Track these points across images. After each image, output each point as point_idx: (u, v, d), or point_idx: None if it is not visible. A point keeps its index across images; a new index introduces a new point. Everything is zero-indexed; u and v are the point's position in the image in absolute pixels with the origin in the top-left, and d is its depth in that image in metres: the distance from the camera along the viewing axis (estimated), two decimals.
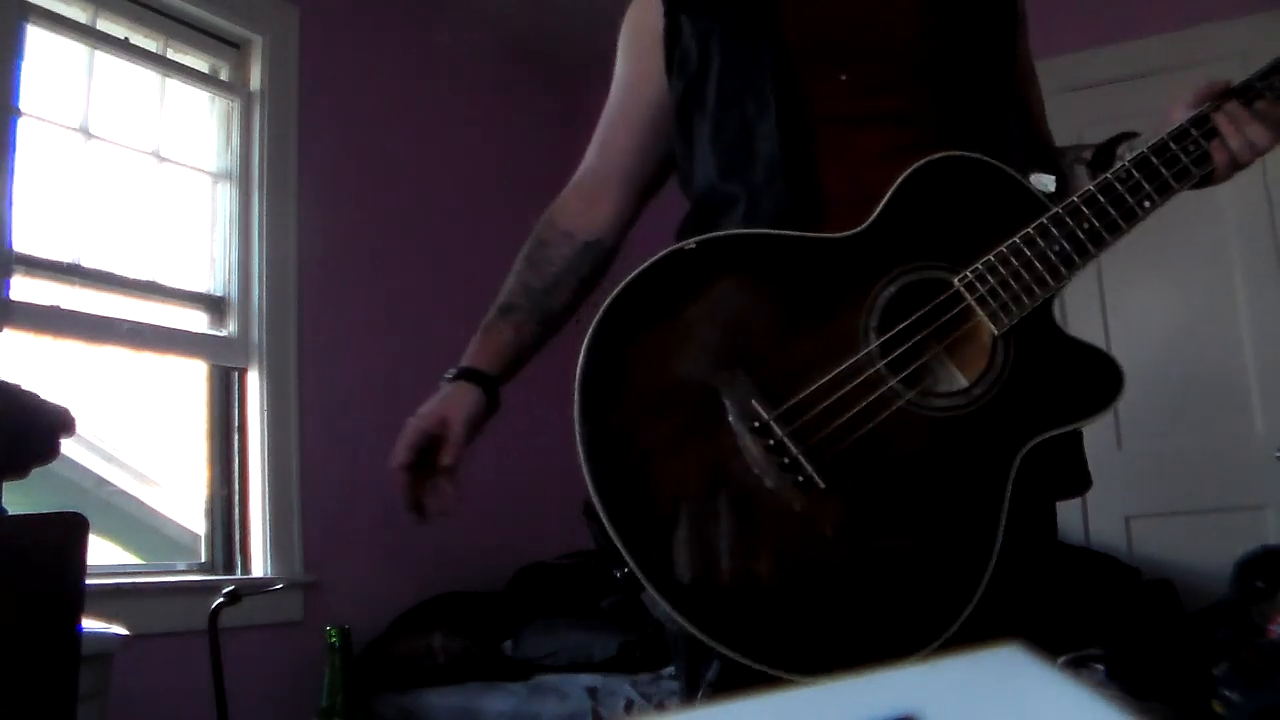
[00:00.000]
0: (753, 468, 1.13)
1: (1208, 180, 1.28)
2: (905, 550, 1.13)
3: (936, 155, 1.22)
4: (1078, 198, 1.22)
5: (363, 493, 3.05)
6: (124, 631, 2.11)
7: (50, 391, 1.56)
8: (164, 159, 3.21)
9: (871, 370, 1.16)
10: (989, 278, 1.19)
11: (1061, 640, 2.87)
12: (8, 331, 2.62)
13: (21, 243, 2.72)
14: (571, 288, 1.48)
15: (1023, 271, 1.19)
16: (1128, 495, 3.57)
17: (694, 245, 1.20)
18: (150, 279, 3.10)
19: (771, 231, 1.24)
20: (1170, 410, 3.53)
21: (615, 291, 1.18)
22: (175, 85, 3.28)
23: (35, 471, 1.53)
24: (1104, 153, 1.29)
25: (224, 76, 3.41)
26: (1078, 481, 1.39)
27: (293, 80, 3.47)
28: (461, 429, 1.35)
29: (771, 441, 1.13)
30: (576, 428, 1.13)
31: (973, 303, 1.19)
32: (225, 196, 3.35)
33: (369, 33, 3.75)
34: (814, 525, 1.12)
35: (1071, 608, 3.11)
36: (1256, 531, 3.28)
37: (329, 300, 3.40)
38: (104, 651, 2.01)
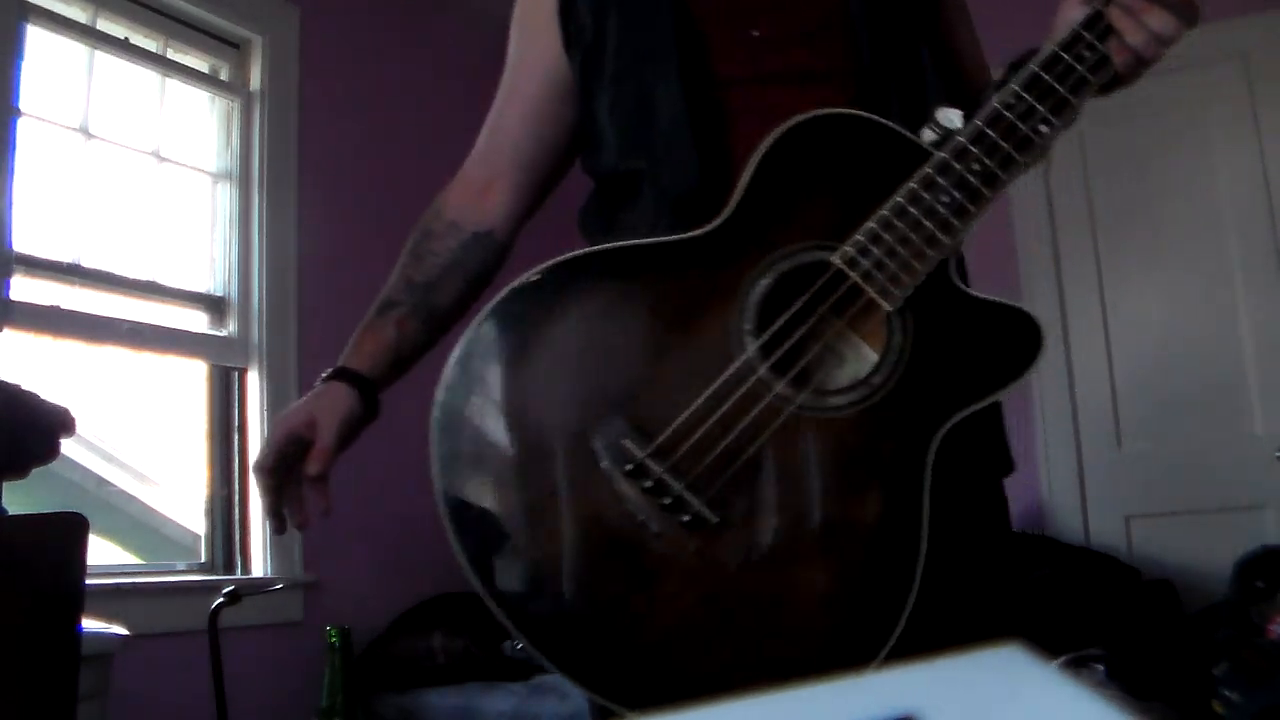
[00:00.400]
0: (636, 515, 1.01)
1: (1113, 85, 1.12)
2: (821, 572, 1.01)
3: (794, 120, 1.06)
4: (963, 135, 1.04)
5: (362, 493, 3.04)
6: (124, 631, 2.11)
7: (50, 391, 1.56)
8: (164, 159, 3.21)
9: (753, 379, 1.02)
10: (872, 248, 1.03)
11: (1061, 640, 2.87)
12: (8, 331, 2.62)
13: (21, 243, 2.72)
14: (458, 284, 1.33)
15: (910, 234, 1.03)
16: (1128, 495, 3.57)
17: (538, 276, 1.06)
18: (150, 279, 3.10)
19: (620, 244, 1.09)
20: (1170, 410, 3.53)
21: (459, 345, 1.06)
22: (175, 85, 3.28)
23: (35, 471, 1.53)
24: (1012, 72, 1.10)
25: (224, 76, 3.41)
26: (999, 463, 1.24)
27: (293, 80, 3.47)
28: (331, 435, 1.19)
29: (650, 483, 1.01)
30: (440, 507, 1.04)
31: (857, 280, 1.03)
32: (225, 196, 3.35)
33: (369, 33, 3.75)
34: (715, 565, 1.01)
35: (1071, 608, 3.11)
36: (1256, 532, 3.28)
37: (329, 300, 3.40)
38: (104, 651, 2.01)
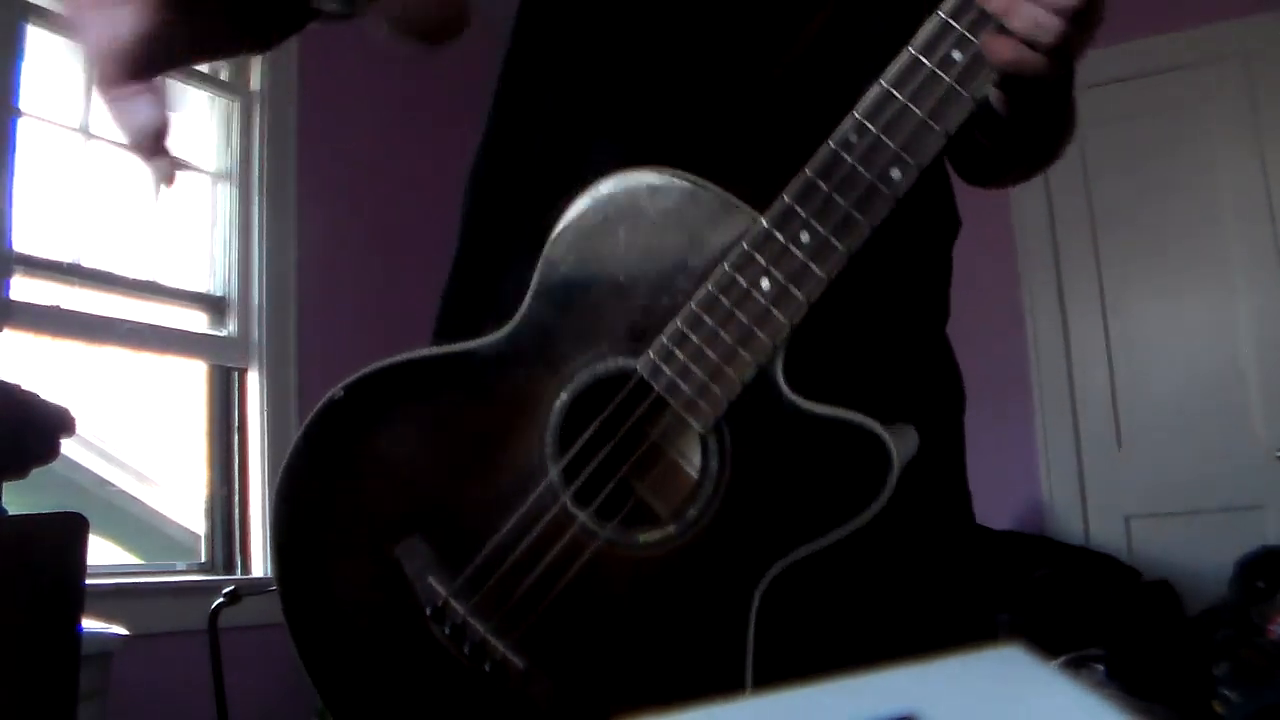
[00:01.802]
0: (449, 652, 0.92)
1: (1019, 91, 0.81)
2: None
3: (595, 192, 0.86)
4: (787, 192, 0.81)
5: None
6: (124, 631, 2.11)
7: (50, 391, 1.56)
8: None
9: (556, 508, 0.88)
10: (676, 353, 0.84)
11: (1061, 640, 2.88)
12: (8, 331, 2.62)
13: (21, 243, 2.72)
14: None
15: (720, 332, 0.82)
16: (1127, 495, 3.58)
17: (341, 394, 0.96)
18: (150, 279, 3.10)
19: (424, 354, 0.96)
20: (1170, 411, 3.54)
21: (280, 476, 0.98)
22: (175, 85, 3.27)
23: (35, 471, 1.53)
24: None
25: (224, 76, 3.41)
26: (955, 510, 1.07)
27: (293, 80, 3.47)
28: None
29: (453, 625, 0.90)
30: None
31: (662, 393, 0.84)
32: (225, 196, 3.35)
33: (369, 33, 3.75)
34: (524, 709, 0.90)
35: (1071, 608, 3.12)
36: (1257, 532, 3.29)
37: (329, 300, 3.40)
38: (104, 651, 2.02)
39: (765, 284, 0.81)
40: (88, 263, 2.92)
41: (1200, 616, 3.13)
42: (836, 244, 0.80)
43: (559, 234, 0.87)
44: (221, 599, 2.38)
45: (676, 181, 0.84)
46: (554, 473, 0.88)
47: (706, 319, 0.83)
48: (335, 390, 0.96)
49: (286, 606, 0.97)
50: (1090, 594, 3.19)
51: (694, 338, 0.83)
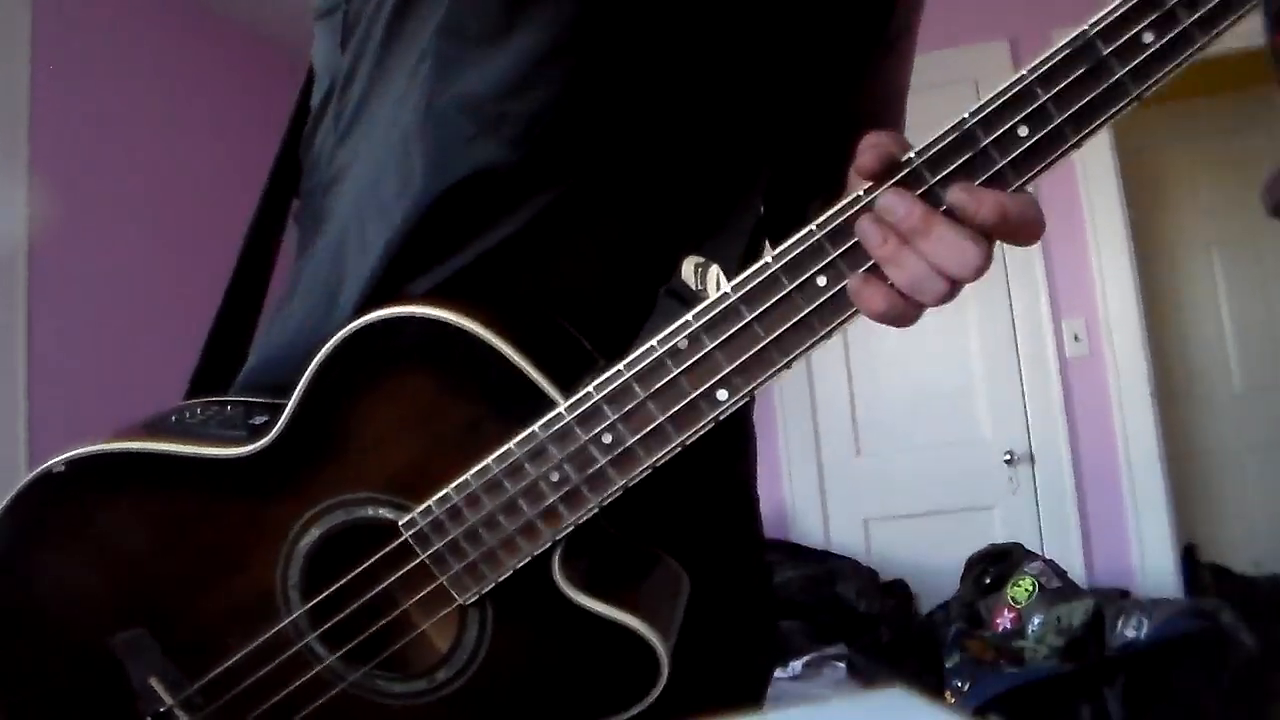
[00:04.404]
0: None
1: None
2: None
3: (372, 318, 0.76)
4: (595, 386, 0.73)
5: None
6: None
7: None
8: None
9: (300, 645, 0.82)
10: (448, 525, 0.77)
11: (803, 640, 2.95)
12: None
13: None
14: None
15: (499, 517, 0.76)
16: (866, 499, 3.74)
17: (62, 467, 0.84)
18: None
19: (165, 450, 0.83)
20: (906, 418, 3.72)
21: None
22: None
23: None
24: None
25: None
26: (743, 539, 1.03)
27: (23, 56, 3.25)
28: None
29: None
30: None
31: (426, 561, 0.78)
32: None
33: (107, 15, 3.55)
34: None
35: (813, 608, 3.21)
36: (986, 531, 3.50)
37: (62, 281, 3.19)
38: None
39: (555, 477, 0.75)
40: None
41: (933, 612, 3.28)
42: (641, 453, 0.73)
43: (338, 346, 0.77)
44: None
45: (478, 333, 0.74)
46: (299, 611, 0.81)
47: (485, 500, 0.76)
48: (55, 462, 0.84)
49: None
50: (830, 595, 3.30)
51: (469, 516, 0.76)
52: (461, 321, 0.74)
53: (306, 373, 0.78)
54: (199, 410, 0.91)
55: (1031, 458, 3.59)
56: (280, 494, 0.81)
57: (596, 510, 0.75)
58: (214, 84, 3.83)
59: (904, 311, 0.68)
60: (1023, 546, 3.22)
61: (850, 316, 0.69)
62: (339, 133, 0.95)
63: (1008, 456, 3.58)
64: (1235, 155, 4.59)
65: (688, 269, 0.78)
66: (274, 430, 0.80)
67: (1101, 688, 2.45)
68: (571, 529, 0.76)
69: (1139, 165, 4.20)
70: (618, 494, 0.74)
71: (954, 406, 3.69)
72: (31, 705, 0.87)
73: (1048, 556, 3.17)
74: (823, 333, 0.69)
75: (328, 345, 0.77)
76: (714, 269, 0.77)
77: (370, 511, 0.79)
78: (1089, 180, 3.58)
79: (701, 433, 0.72)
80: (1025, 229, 0.66)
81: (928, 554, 3.54)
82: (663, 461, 0.73)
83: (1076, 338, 3.57)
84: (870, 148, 0.66)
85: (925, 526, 3.64)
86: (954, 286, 0.67)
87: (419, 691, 0.81)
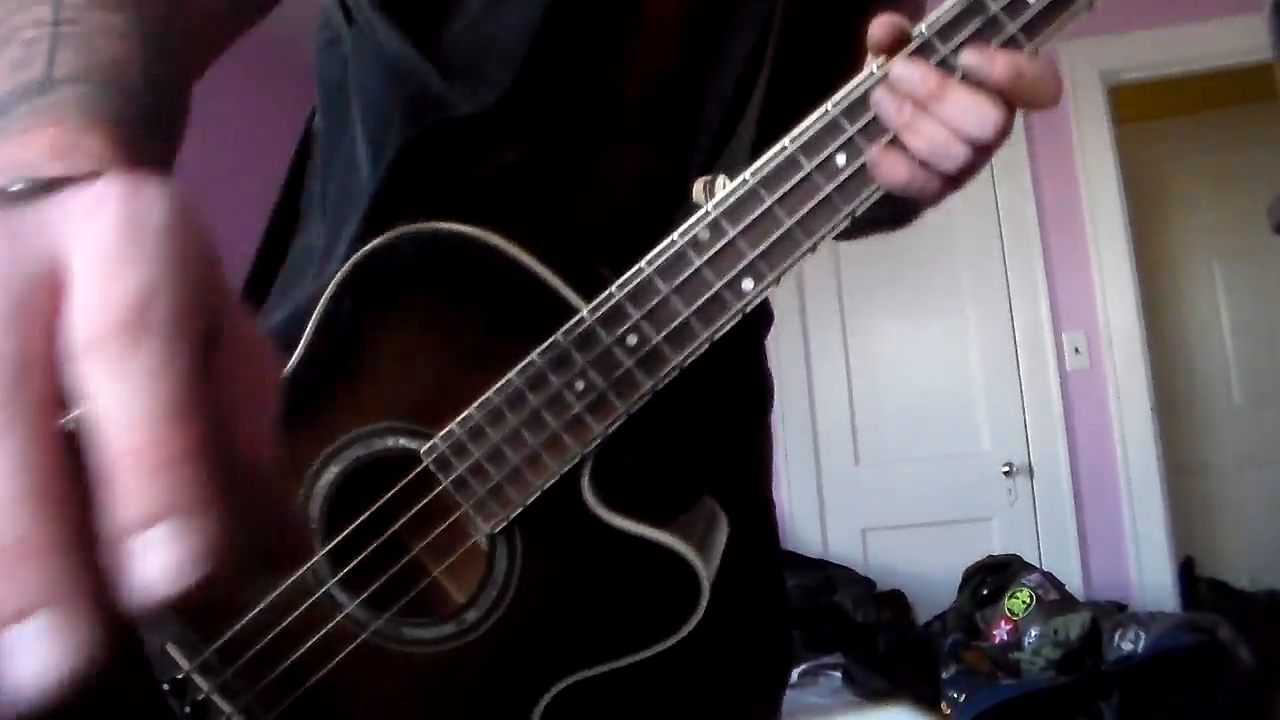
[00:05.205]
0: None
1: (906, 214, 0.77)
2: None
3: (386, 239, 0.73)
4: (617, 286, 0.71)
5: None
6: None
7: None
8: None
9: (320, 592, 0.78)
10: (470, 447, 0.73)
11: (799, 649, 2.95)
12: None
13: None
14: None
15: (522, 433, 0.72)
16: (864, 509, 3.73)
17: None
18: None
19: None
20: (905, 428, 3.71)
21: None
22: None
23: None
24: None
25: None
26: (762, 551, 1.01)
27: None
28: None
29: (194, 703, 0.79)
30: None
31: (448, 487, 0.74)
32: None
33: None
34: None
35: (810, 618, 3.21)
36: (984, 542, 3.49)
37: None
38: None
39: (580, 386, 0.71)
40: None
41: (930, 623, 3.27)
42: (668, 351, 0.70)
43: (348, 275, 0.74)
44: None
45: (496, 243, 0.71)
46: (320, 554, 0.77)
47: (508, 414, 0.72)
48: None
49: None
50: (827, 604, 3.29)
51: (491, 433, 0.73)
52: (474, 232, 0.72)
53: (316, 309, 0.76)
54: None
55: (1030, 469, 3.58)
56: (295, 432, 0.77)
57: (624, 419, 0.71)
58: (226, 84, 3.84)
59: (925, 183, 0.67)
60: (1021, 558, 3.22)
61: (874, 193, 0.67)
62: (327, 116, 0.94)
63: (1007, 468, 3.58)
64: (1237, 169, 4.59)
65: (697, 189, 0.76)
66: (285, 368, 0.77)
67: (1097, 701, 2.44)
68: (600, 442, 0.72)
69: (1141, 178, 4.21)
70: (646, 398, 0.71)
71: (953, 417, 3.69)
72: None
73: (1045, 569, 3.17)
74: (846, 210, 0.68)
75: (337, 275, 0.74)
76: (720, 178, 0.74)
77: (390, 442, 0.76)
78: (1091, 193, 3.58)
79: (728, 327, 0.70)
80: (1042, 89, 0.64)
81: (925, 564, 3.54)
82: (690, 360, 0.70)
83: (1077, 350, 3.56)
84: (881, 24, 0.66)
85: (923, 537, 3.63)
86: (976, 154, 0.66)
87: (447, 636, 0.77)
